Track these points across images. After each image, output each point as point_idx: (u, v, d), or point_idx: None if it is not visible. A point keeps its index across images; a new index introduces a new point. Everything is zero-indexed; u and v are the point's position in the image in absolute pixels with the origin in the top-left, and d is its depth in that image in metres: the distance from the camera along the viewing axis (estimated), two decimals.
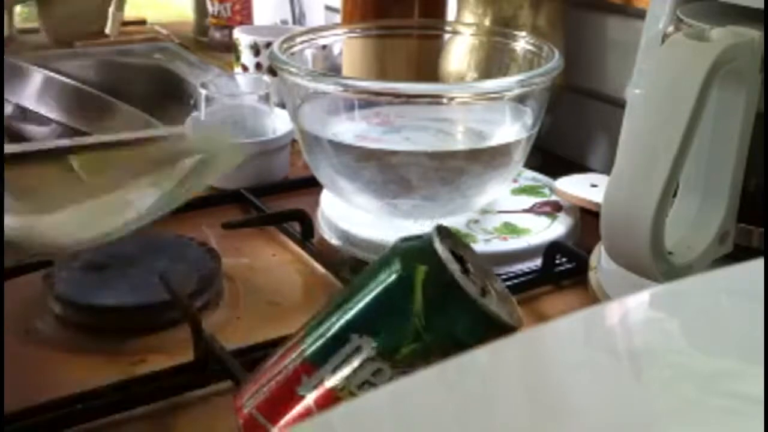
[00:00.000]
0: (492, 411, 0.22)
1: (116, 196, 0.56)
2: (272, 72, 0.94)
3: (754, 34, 0.45)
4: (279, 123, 0.82)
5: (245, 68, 1.02)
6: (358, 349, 0.35)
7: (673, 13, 0.54)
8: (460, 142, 0.72)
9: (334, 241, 0.68)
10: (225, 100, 0.82)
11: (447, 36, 0.81)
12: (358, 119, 0.70)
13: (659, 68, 0.45)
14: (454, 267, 0.35)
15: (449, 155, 0.68)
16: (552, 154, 0.87)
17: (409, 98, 0.63)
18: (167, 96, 1.17)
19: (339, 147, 0.66)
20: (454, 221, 0.67)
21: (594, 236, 0.52)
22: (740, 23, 0.46)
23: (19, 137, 1.03)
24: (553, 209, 0.70)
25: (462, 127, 0.73)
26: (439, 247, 0.35)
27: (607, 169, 0.57)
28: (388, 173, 0.65)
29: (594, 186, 0.71)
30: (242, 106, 0.83)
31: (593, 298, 0.59)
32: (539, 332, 0.26)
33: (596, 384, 0.23)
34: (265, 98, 0.82)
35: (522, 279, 0.63)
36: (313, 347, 0.37)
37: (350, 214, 0.68)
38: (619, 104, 0.80)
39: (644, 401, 0.22)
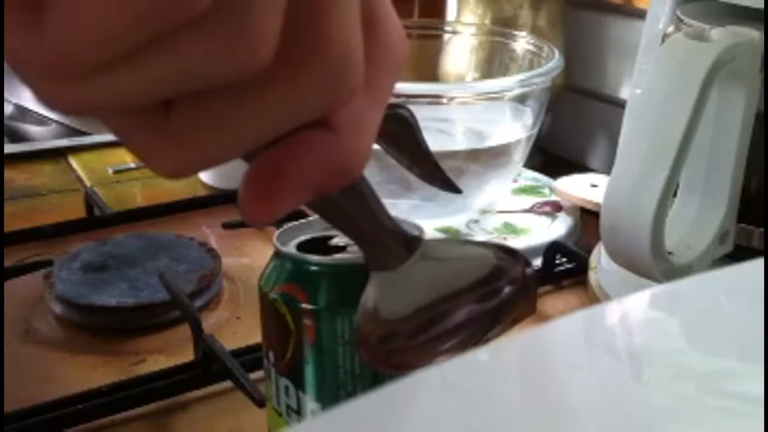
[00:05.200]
0: (492, 411, 0.22)
1: None
2: None
3: (754, 34, 0.45)
4: None
5: None
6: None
7: (673, 13, 0.54)
8: (460, 142, 0.72)
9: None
10: None
11: (447, 36, 0.81)
12: None
13: (659, 68, 0.45)
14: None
15: (449, 155, 0.68)
16: (552, 154, 0.87)
17: (409, 98, 0.63)
18: None
19: None
20: (454, 221, 0.67)
21: (594, 236, 0.52)
22: (740, 23, 0.46)
23: (19, 137, 1.03)
24: (553, 209, 0.70)
25: (462, 127, 0.73)
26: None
27: (607, 169, 0.57)
28: (388, 173, 0.65)
29: (594, 186, 0.71)
30: None
31: (593, 298, 0.59)
32: (539, 332, 0.26)
33: (596, 384, 0.23)
34: None
35: None
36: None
37: None
38: (619, 104, 0.80)
39: (644, 401, 0.22)
